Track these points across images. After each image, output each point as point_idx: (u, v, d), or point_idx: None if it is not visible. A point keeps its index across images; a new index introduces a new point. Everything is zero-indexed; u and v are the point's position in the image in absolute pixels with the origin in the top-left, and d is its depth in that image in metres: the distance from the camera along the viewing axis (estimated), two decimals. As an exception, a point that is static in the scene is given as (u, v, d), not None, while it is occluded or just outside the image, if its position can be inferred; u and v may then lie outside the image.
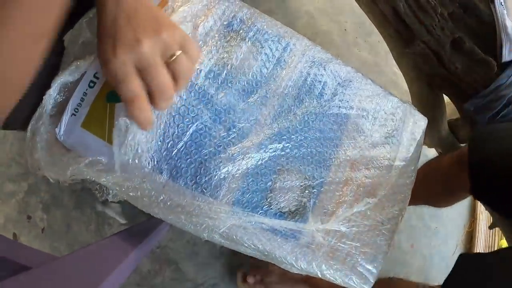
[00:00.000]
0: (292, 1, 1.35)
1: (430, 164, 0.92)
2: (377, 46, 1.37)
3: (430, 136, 1.06)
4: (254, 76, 0.50)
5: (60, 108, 0.47)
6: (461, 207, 1.44)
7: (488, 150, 0.66)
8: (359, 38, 1.38)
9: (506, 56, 0.81)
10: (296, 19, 1.33)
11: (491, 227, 1.22)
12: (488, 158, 0.65)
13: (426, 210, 1.34)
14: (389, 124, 0.59)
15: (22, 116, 0.49)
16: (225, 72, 0.49)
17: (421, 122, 0.63)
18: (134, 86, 0.39)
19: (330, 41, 1.35)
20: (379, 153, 0.56)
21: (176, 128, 0.46)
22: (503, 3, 0.80)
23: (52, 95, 0.46)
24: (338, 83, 0.56)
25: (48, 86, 0.47)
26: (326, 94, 0.54)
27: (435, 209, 1.30)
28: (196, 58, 0.44)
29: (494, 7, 0.80)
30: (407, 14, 0.85)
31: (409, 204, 0.89)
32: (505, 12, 0.80)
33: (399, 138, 0.59)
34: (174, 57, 0.40)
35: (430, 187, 0.88)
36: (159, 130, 0.46)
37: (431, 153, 1.28)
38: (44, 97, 0.46)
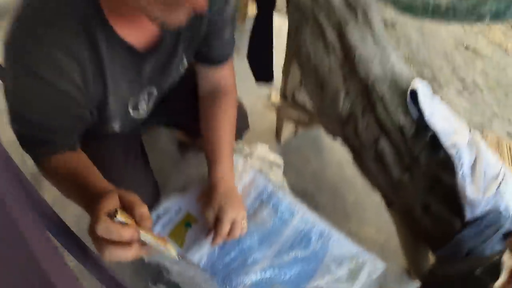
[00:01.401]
0: (327, 152, 1.77)
1: None
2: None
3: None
4: (266, 231, 0.90)
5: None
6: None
7: None
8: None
9: (468, 217, 0.99)
10: (326, 167, 1.72)
11: None
12: None
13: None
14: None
15: None
16: (251, 226, 0.89)
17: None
18: (226, 232, 0.83)
19: (352, 186, 1.65)
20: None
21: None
22: (464, 177, 0.98)
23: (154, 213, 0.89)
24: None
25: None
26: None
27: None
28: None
29: (457, 180, 0.99)
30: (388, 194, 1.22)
31: None
32: (465, 184, 0.98)
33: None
34: (244, 225, 0.85)
35: None
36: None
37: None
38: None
